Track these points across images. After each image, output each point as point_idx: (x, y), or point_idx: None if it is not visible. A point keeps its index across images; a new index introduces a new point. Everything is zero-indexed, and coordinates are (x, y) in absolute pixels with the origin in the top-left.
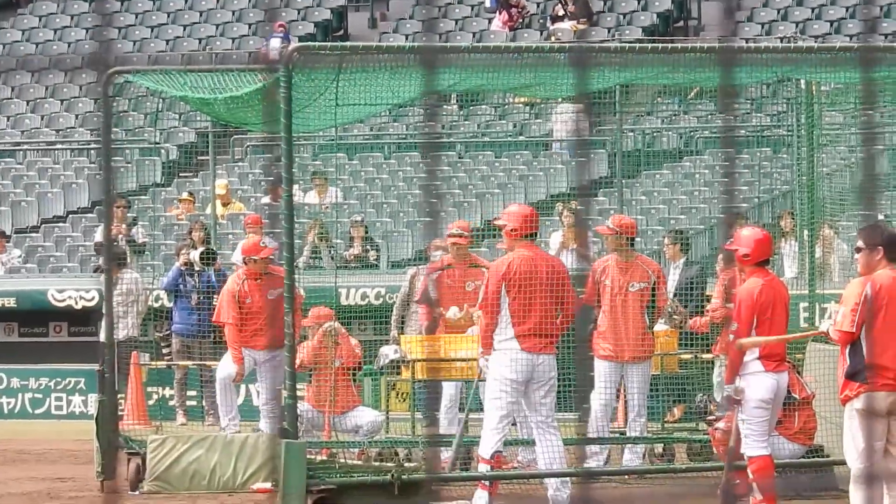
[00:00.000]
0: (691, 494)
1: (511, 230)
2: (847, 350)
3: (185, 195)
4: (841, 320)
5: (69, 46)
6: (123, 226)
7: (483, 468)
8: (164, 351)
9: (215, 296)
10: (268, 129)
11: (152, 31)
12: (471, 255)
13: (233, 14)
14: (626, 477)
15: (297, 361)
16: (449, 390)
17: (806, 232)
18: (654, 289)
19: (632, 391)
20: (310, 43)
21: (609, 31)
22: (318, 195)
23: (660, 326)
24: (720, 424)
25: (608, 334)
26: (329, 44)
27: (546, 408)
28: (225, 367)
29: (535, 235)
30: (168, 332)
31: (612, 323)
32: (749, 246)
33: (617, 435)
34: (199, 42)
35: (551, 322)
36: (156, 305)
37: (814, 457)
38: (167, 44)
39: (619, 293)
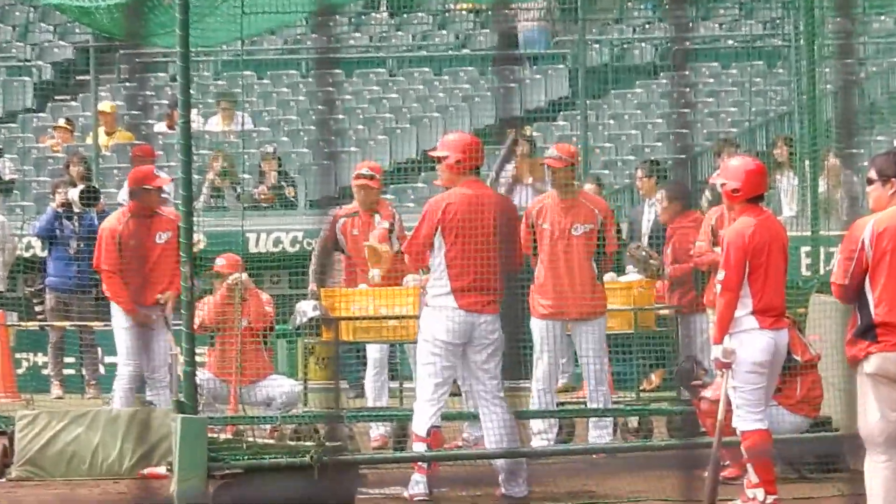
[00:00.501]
0: (669, 474)
1: (454, 163)
2: (856, 304)
3: (61, 122)
4: (837, 271)
5: None
6: None
7: (419, 447)
8: (37, 309)
9: None
10: (162, 43)
11: None
12: (380, 200)
13: None
14: (594, 456)
15: (197, 321)
16: (374, 354)
17: (807, 161)
18: (602, 231)
19: (585, 356)
20: None
21: None
22: (223, 122)
23: (633, 276)
24: (707, 393)
25: (548, 288)
26: None
27: (489, 375)
28: (127, 361)
29: (480, 169)
30: (41, 286)
31: (553, 274)
32: (739, 178)
33: (581, 407)
34: None
35: (495, 275)
36: (26, 255)
37: (820, 430)
38: None
39: (561, 238)
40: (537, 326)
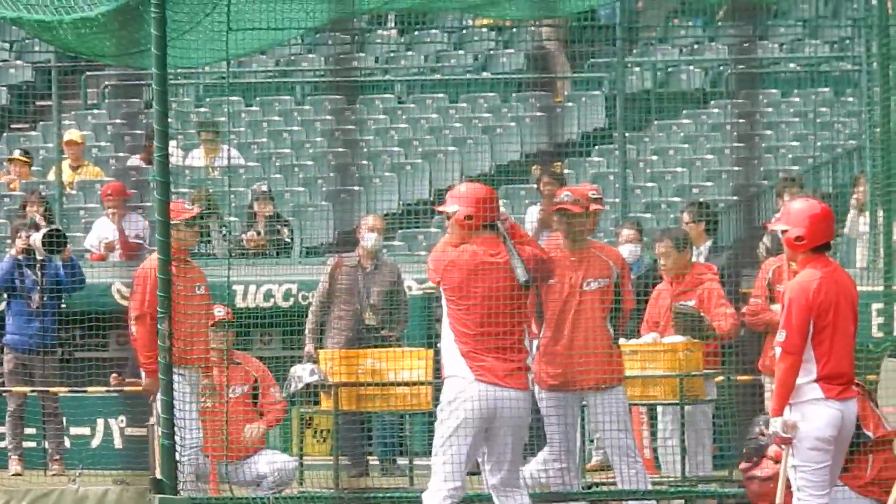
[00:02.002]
0: None
1: (463, 218)
2: None
3: (17, 154)
4: None
5: None
6: None
7: None
8: None
9: (65, 295)
10: (136, 64)
11: None
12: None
13: None
14: None
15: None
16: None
17: (880, 205)
18: (617, 286)
19: (608, 430)
20: None
21: None
22: (205, 155)
23: (675, 338)
24: (758, 472)
25: (558, 353)
26: None
27: (507, 462)
28: (194, 427)
29: (496, 226)
30: None
31: (564, 337)
32: (802, 224)
33: (615, 489)
34: None
35: (515, 343)
36: None
37: None
38: None
39: (572, 295)
40: (549, 399)
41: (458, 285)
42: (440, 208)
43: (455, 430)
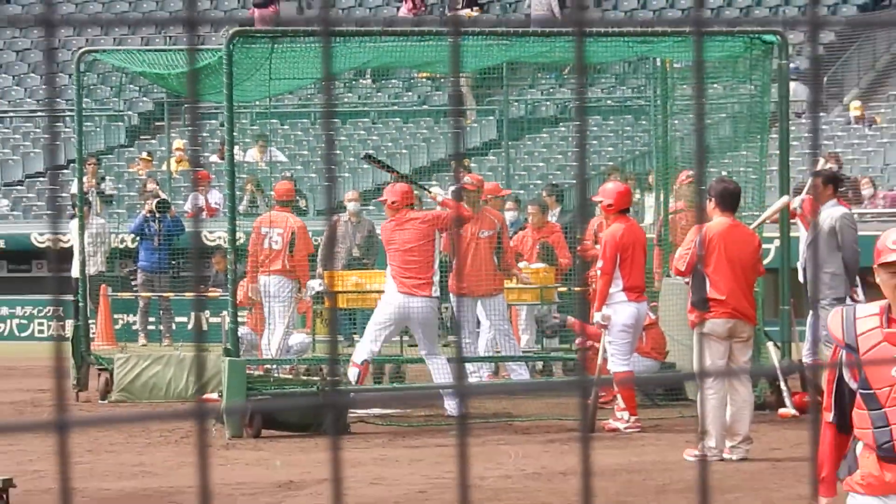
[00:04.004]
0: (563, 401)
1: (391, 202)
2: (694, 282)
3: (144, 155)
4: (678, 259)
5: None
6: (94, 180)
7: (353, 371)
8: (132, 284)
9: (173, 238)
10: (214, 99)
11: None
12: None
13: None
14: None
15: (239, 297)
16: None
17: (661, 187)
18: (500, 235)
19: (495, 321)
20: (248, 27)
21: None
22: (258, 154)
23: (538, 264)
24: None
25: (464, 274)
26: (263, 28)
27: (427, 342)
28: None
29: (414, 206)
30: (134, 268)
31: (468, 265)
32: (612, 197)
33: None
34: (156, 27)
35: (422, 269)
36: (120, 247)
37: (668, 371)
38: (129, 28)
39: (472, 240)
40: (456, 302)
41: (387, 239)
42: (380, 199)
43: (384, 319)
